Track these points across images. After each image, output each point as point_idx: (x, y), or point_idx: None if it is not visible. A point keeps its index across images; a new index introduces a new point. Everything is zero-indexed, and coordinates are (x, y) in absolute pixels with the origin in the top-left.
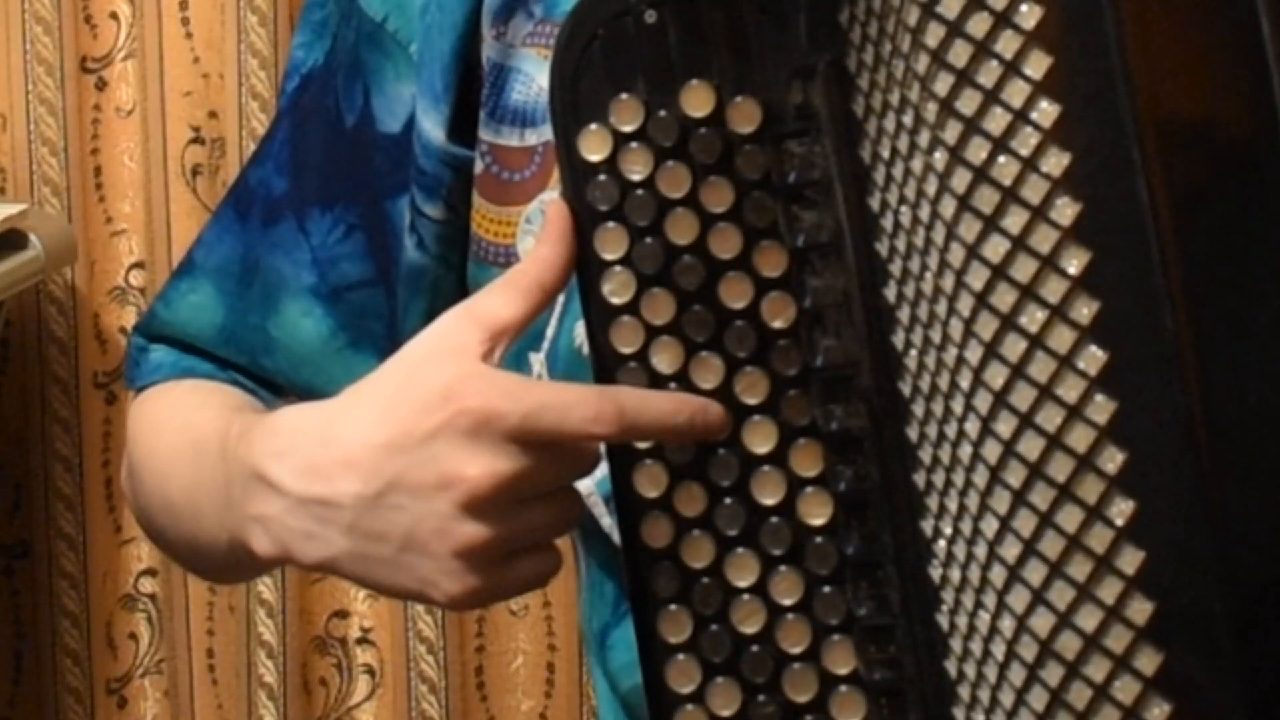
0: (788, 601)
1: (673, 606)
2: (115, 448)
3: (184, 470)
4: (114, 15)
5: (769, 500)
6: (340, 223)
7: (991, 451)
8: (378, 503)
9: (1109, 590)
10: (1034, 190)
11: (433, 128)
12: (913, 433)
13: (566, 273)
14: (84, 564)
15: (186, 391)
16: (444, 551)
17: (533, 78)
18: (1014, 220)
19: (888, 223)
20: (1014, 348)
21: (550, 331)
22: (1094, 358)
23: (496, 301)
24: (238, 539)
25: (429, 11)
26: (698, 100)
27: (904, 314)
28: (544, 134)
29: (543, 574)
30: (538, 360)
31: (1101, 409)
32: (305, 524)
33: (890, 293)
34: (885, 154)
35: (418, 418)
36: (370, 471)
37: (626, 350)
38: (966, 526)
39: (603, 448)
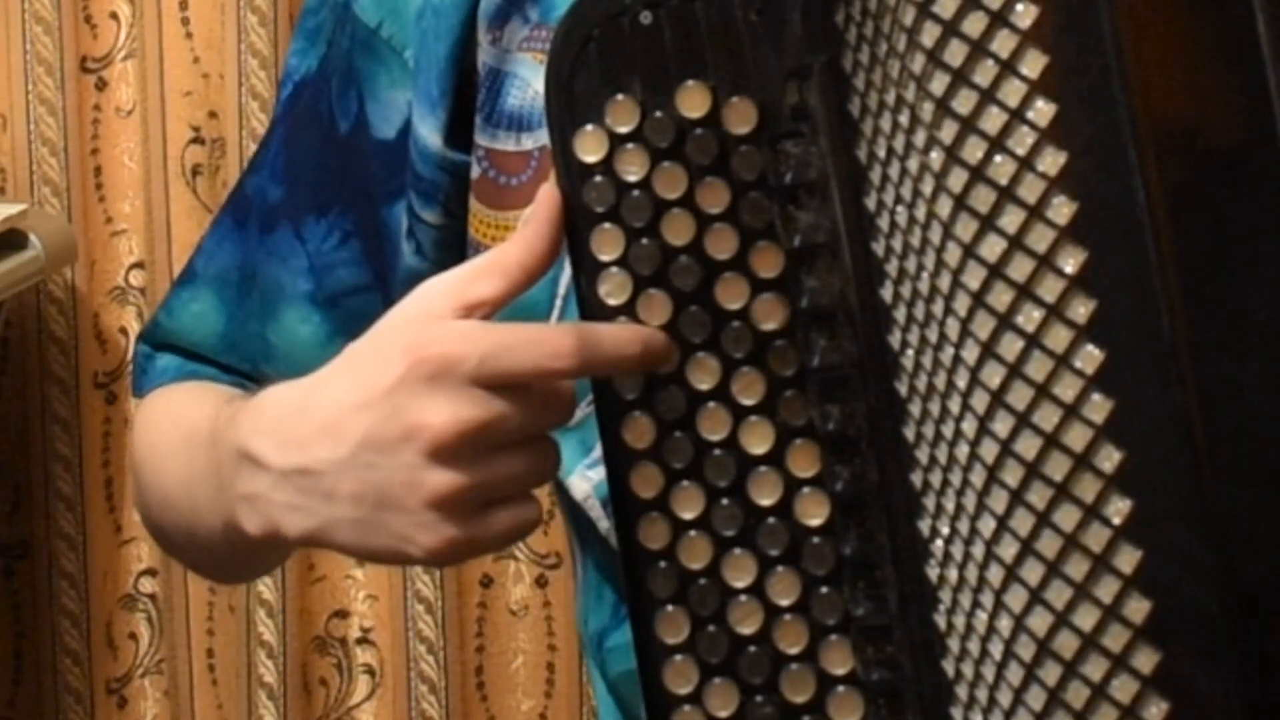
0: (785, 602)
1: (670, 607)
2: (115, 448)
3: (179, 462)
4: (114, 15)
5: (766, 501)
6: (335, 229)
7: (989, 451)
8: (350, 463)
9: (1107, 589)
10: (1030, 189)
11: (429, 133)
12: (910, 433)
13: (550, 257)
14: (84, 564)
15: (186, 390)
16: (416, 503)
17: (529, 82)
18: (1011, 219)
19: (884, 223)
20: (1011, 347)
21: None
22: (1091, 357)
23: (474, 276)
24: (230, 521)
25: (424, 17)
26: (693, 101)
27: (901, 314)
28: (540, 138)
29: (521, 524)
30: None
31: (1098, 408)
32: (289, 496)
33: (887, 293)
34: (881, 154)
35: (380, 372)
36: (341, 433)
37: None
38: (964, 526)
39: (600, 449)
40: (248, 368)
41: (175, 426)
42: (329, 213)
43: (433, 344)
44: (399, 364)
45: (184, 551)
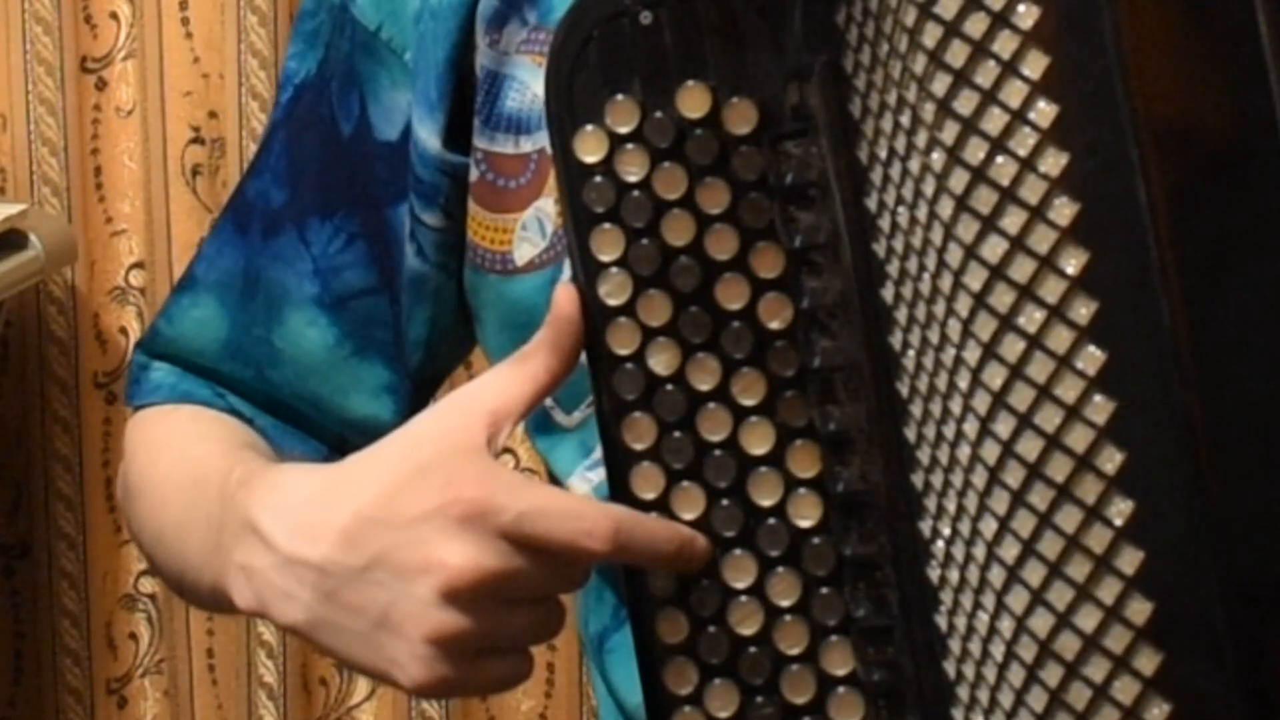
0: (785, 603)
1: (670, 608)
2: (115, 448)
3: (178, 504)
4: (114, 15)
5: (766, 501)
6: (341, 232)
7: (990, 452)
8: (360, 576)
9: (1108, 590)
10: (1032, 190)
11: (428, 136)
12: (911, 434)
13: (575, 356)
14: (84, 564)
15: (185, 420)
16: (416, 635)
17: (527, 85)
18: (1012, 220)
19: (885, 224)
20: (1012, 348)
21: None
22: (1092, 358)
23: (504, 386)
24: (220, 584)
25: (422, 20)
26: (694, 101)
27: (902, 315)
28: (539, 141)
29: (512, 678)
30: None
31: (1100, 409)
32: (287, 583)
33: (888, 294)
34: (882, 155)
35: (414, 497)
36: (357, 542)
37: (623, 352)
38: (965, 527)
39: (600, 450)
40: (251, 374)
41: (176, 465)
42: (334, 215)
43: (474, 486)
44: (435, 495)
45: (171, 584)
